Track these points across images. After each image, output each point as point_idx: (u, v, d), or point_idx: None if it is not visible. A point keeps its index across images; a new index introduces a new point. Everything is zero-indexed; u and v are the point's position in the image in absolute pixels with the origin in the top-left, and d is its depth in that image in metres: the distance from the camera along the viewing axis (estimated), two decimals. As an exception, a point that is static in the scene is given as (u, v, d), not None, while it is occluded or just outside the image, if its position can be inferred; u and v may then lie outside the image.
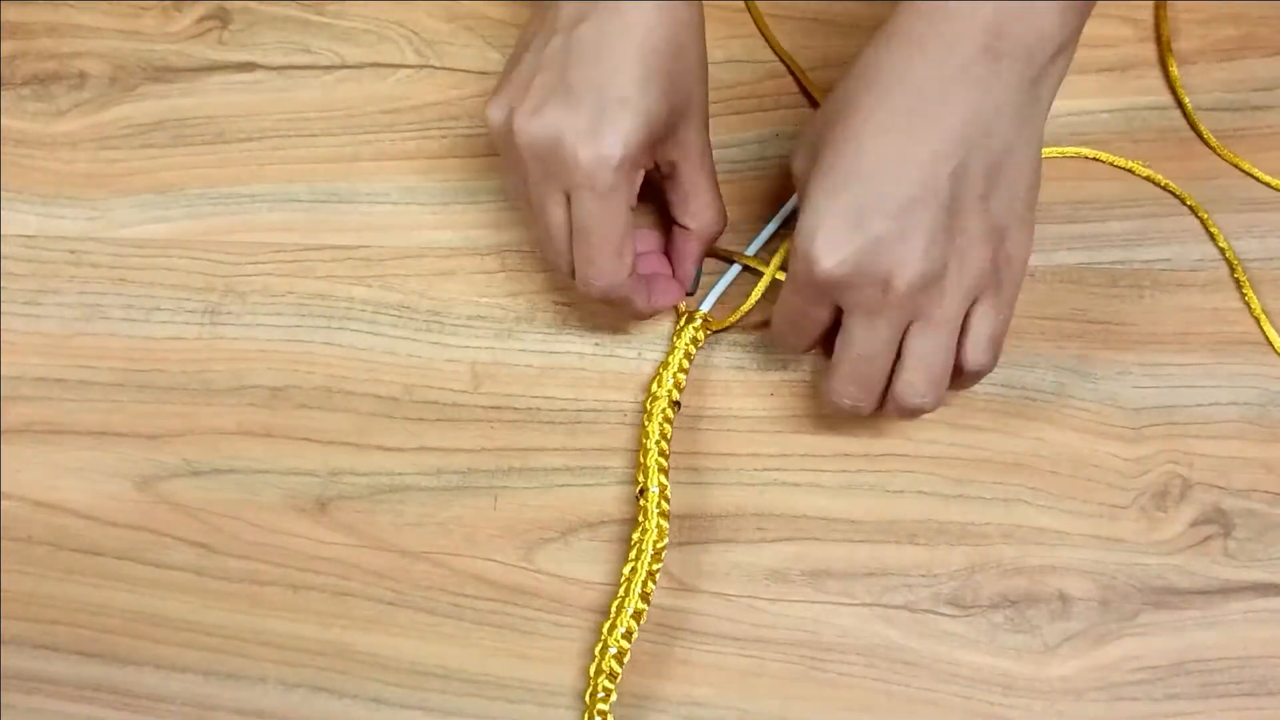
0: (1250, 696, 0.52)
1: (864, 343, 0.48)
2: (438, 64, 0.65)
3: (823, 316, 0.50)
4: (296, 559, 0.57)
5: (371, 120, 0.65)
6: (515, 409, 0.58)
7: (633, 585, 0.52)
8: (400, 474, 0.58)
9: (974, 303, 0.48)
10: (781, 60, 0.64)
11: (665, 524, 0.54)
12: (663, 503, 0.54)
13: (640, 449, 0.55)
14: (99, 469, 0.59)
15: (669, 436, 0.56)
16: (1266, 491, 0.55)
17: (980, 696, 0.53)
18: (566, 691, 0.54)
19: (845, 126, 0.47)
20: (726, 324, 0.58)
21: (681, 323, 0.58)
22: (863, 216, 0.46)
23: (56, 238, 0.64)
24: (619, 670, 0.52)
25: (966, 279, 0.47)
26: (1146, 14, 0.63)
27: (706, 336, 0.58)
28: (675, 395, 0.56)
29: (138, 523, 0.58)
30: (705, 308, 0.58)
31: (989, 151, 0.46)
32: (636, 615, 0.52)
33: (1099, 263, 0.59)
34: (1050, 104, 0.48)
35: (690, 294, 0.59)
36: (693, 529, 0.56)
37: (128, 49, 0.68)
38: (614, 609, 0.53)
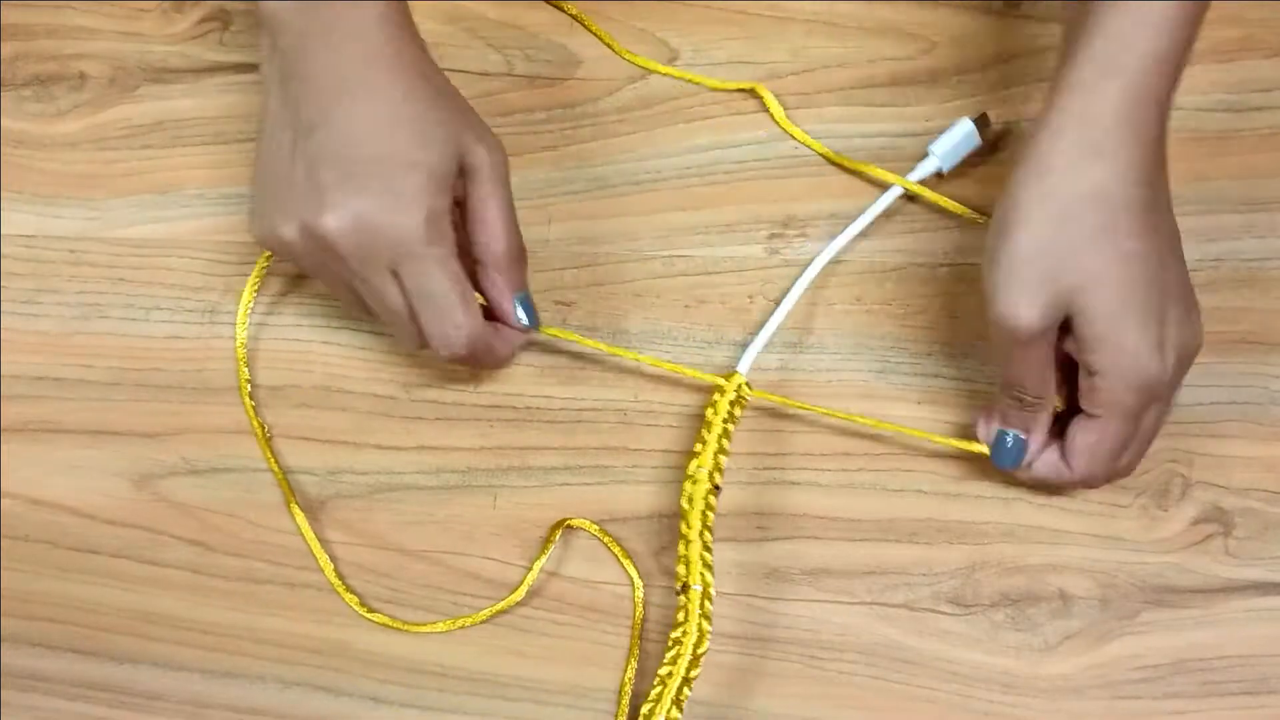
0: (1250, 695, 0.52)
1: (1156, 426, 0.51)
2: (438, 65, 0.65)
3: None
4: (294, 557, 0.56)
5: (371, 121, 0.65)
6: (514, 408, 0.58)
7: (666, 693, 0.49)
8: (399, 473, 0.58)
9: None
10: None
11: (708, 626, 0.50)
12: (706, 603, 0.50)
13: (681, 539, 0.52)
14: (96, 467, 0.59)
15: (711, 525, 0.52)
16: (1266, 490, 0.55)
17: (980, 695, 0.52)
18: (564, 690, 0.54)
19: (1113, 253, 0.47)
20: (771, 397, 0.56)
21: (716, 393, 0.55)
22: (1161, 317, 0.48)
23: (56, 238, 0.64)
24: None
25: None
26: (1146, 15, 0.63)
27: (745, 406, 0.56)
28: (718, 479, 0.53)
29: (135, 521, 0.58)
30: (745, 367, 0.56)
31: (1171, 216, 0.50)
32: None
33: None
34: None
35: (533, 328, 0.55)
36: (692, 527, 0.56)
37: (128, 50, 0.68)
38: (645, 714, 0.49)
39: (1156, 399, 0.49)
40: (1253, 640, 0.52)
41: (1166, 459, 0.55)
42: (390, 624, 0.55)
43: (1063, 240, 0.47)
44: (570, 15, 0.65)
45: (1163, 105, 0.47)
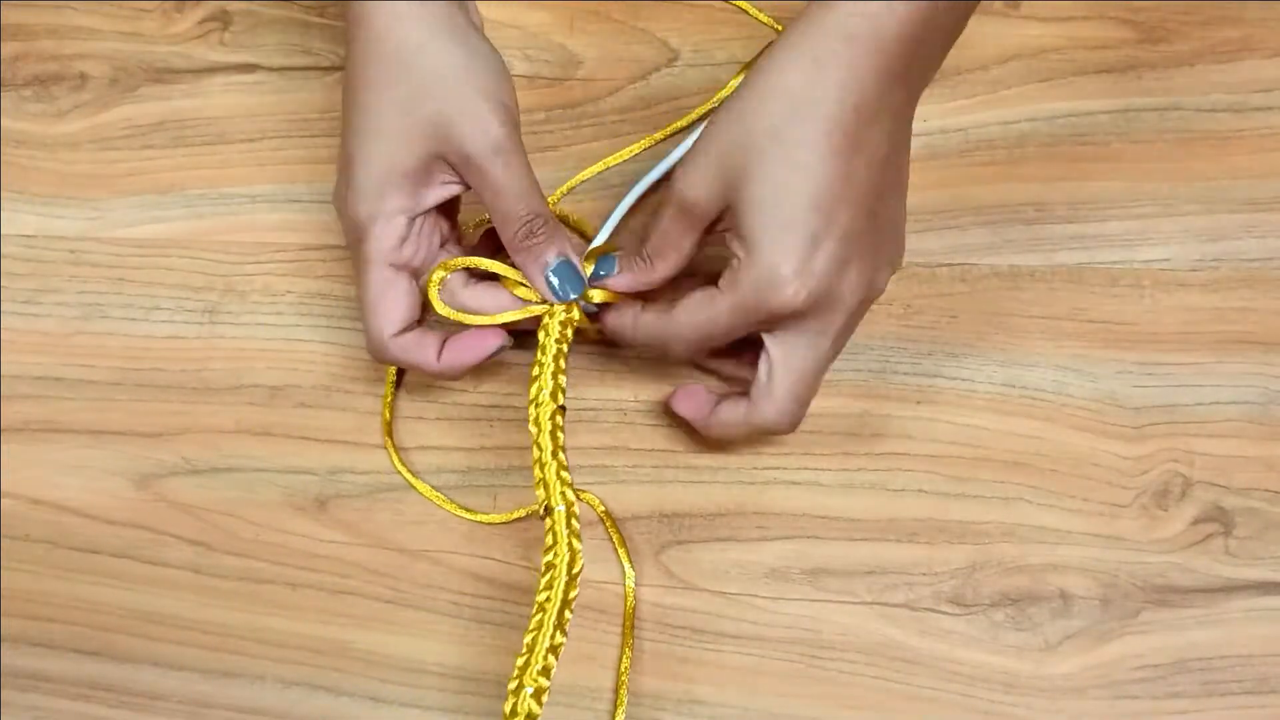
0: (1251, 695, 0.52)
1: (810, 362, 0.50)
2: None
3: (743, 334, 0.50)
4: (295, 557, 0.56)
5: (372, 121, 0.65)
6: (515, 408, 0.58)
7: (548, 617, 0.48)
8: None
9: None
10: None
11: (579, 544, 0.50)
12: (573, 520, 0.50)
13: (535, 464, 0.51)
14: (97, 467, 0.59)
15: (563, 445, 0.51)
16: (1267, 490, 0.55)
17: (981, 695, 0.52)
18: (564, 689, 0.54)
19: (784, 158, 0.46)
20: (599, 301, 0.54)
21: (546, 315, 0.53)
22: (817, 242, 0.46)
23: (56, 237, 0.64)
24: (539, 712, 0.46)
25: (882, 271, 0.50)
26: (1147, 14, 0.63)
27: (580, 321, 0.54)
28: (561, 399, 0.52)
29: (136, 521, 0.58)
30: (597, 244, 0.56)
31: (899, 161, 0.49)
32: (554, 649, 0.47)
33: (1099, 263, 0.59)
34: None
35: (572, 298, 0.53)
36: (692, 527, 0.56)
37: (129, 50, 0.68)
38: (528, 643, 0.48)
39: (777, 319, 0.48)
40: (1254, 640, 0.52)
41: (1166, 459, 0.55)
42: (465, 514, 0.57)
43: (751, 133, 0.46)
44: None
45: (898, 21, 0.45)
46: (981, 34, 0.63)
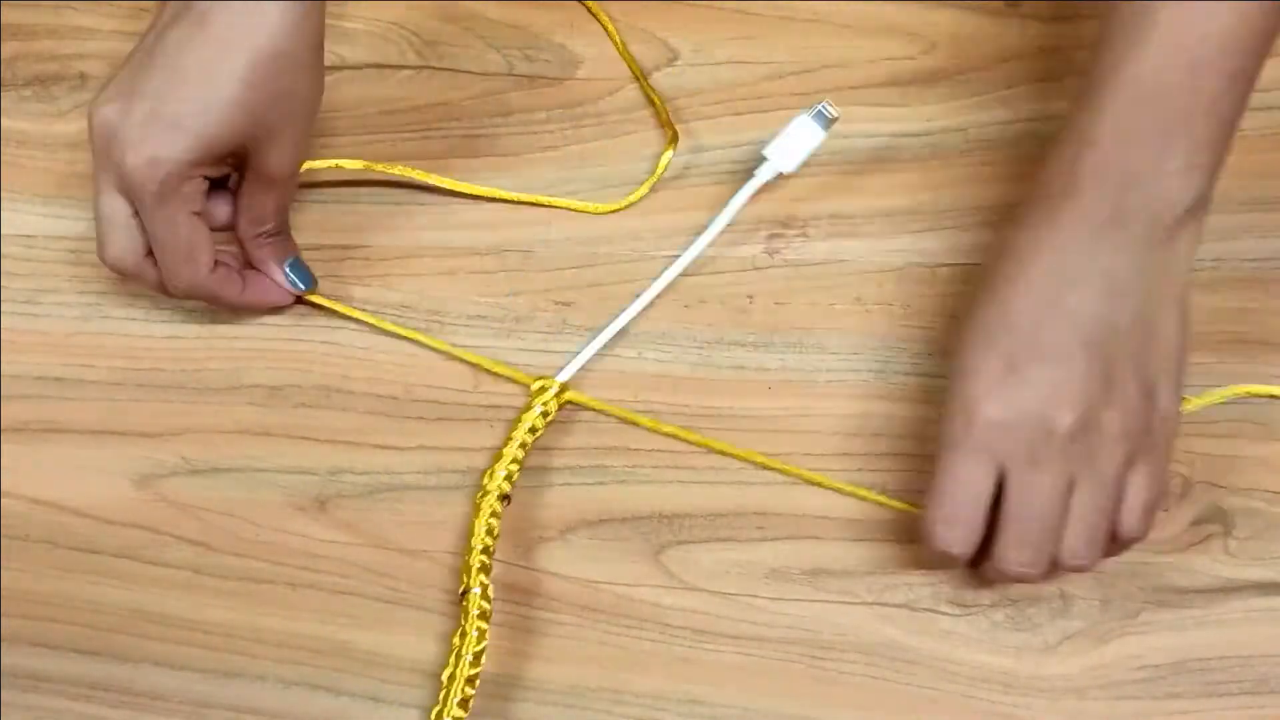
0: (1251, 695, 0.52)
1: (1030, 500, 0.48)
2: (438, 65, 0.65)
3: (987, 484, 0.48)
4: (295, 557, 0.56)
5: (372, 121, 0.65)
6: (515, 409, 0.58)
7: (450, 693, 0.50)
8: (399, 473, 0.58)
9: (1131, 468, 0.48)
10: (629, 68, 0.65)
11: (485, 626, 0.52)
12: (483, 603, 0.52)
13: (465, 546, 0.54)
14: (97, 467, 0.59)
15: (496, 534, 0.54)
16: (1267, 490, 0.55)
17: (981, 695, 0.52)
18: (564, 690, 0.54)
19: (989, 295, 0.49)
20: (586, 401, 0.57)
21: (532, 393, 0.57)
22: (1017, 363, 0.47)
23: (56, 238, 0.64)
24: None
25: (1124, 434, 0.48)
26: (1146, 15, 0.63)
27: (560, 409, 0.57)
28: (506, 488, 0.54)
29: (136, 521, 0.58)
30: (564, 377, 0.57)
31: (1133, 308, 0.48)
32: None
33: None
34: (1189, 263, 0.49)
35: (305, 292, 0.59)
36: (692, 528, 0.56)
37: (128, 50, 0.67)
38: (433, 716, 0.51)
39: (987, 445, 0.48)
40: (1254, 640, 0.52)
41: (1167, 459, 0.55)
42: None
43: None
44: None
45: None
46: (981, 34, 0.63)
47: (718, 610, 0.54)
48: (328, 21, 0.66)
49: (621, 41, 0.65)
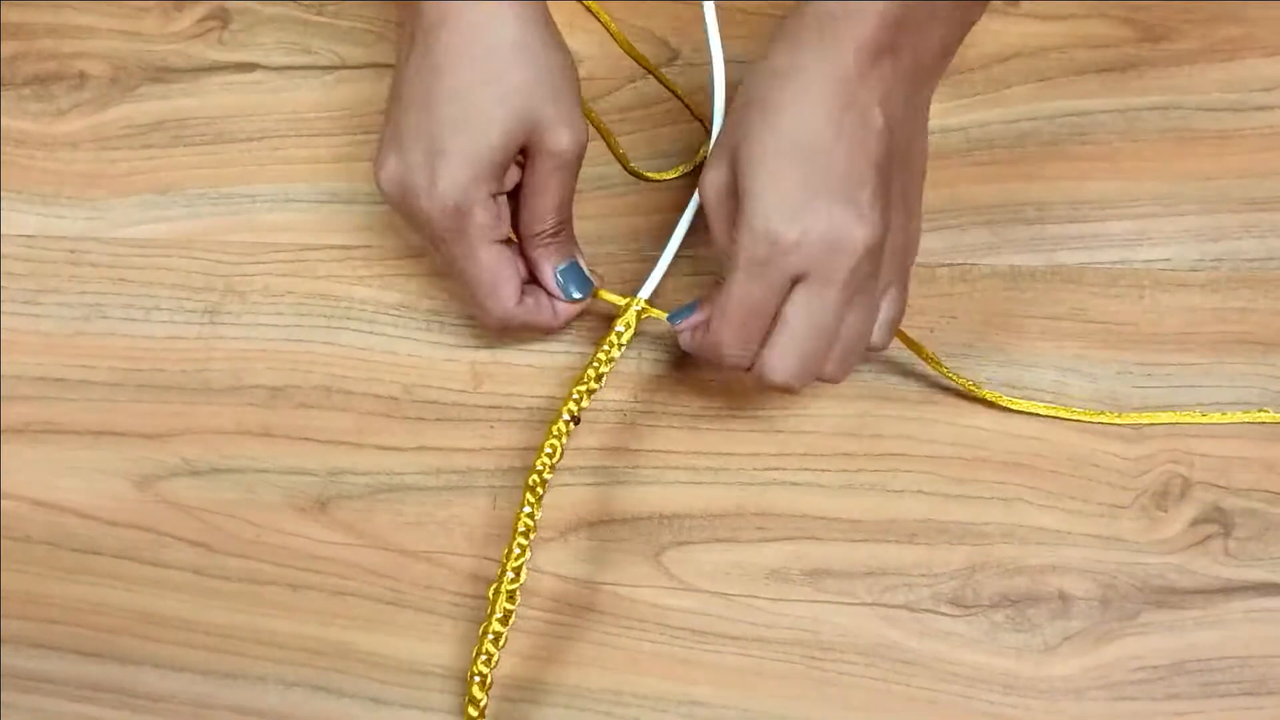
0: (1250, 696, 0.52)
1: (814, 316, 0.48)
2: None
3: (775, 305, 0.49)
4: (296, 558, 0.56)
5: (371, 120, 0.65)
6: (515, 409, 0.58)
7: (494, 609, 0.50)
8: (400, 473, 0.58)
9: (888, 286, 0.50)
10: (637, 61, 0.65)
11: (525, 542, 0.51)
12: (528, 520, 0.51)
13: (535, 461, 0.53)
14: (98, 468, 0.59)
15: (558, 455, 0.53)
16: (1267, 491, 0.55)
17: (981, 696, 0.53)
18: (564, 690, 0.54)
19: (775, 119, 0.47)
20: (661, 314, 0.55)
21: (620, 310, 0.55)
22: (813, 187, 0.47)
23: (56, 237, 0.64)
24: (482, 697, 0.50)
25: (893, 256, 0.49)
26: (1146, 14, 0.63)
27: (639, 323, 0.55)
28: (575, 410, 0.53)
29: (137, 522, 0.58)
30: (645, 293, 0.56)
31: (906, 136, 0.49)
32: (496, 639, 0.50)
33: (1099, 263, 0.59)
34: (928, 104, 0.51)
35: (583, 296, 0.56)
36: (692, 528, 0.56)
37: (128, 49, 0.68)
38: (480, 633, 0.51)
39: (785, 268, 0.48)
40: (1253, 641, 0.53)
41: (1166, 460, 0.55)
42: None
43: (743, 115, 0.48)
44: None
45: (885, 20, 0.47)
46: (982, 33, 0.63)
47: (718, 611, 0.54)
48: (326, 21, 0.67)
49: (625, 38, 0.65)
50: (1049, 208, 0.60)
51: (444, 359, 0.60)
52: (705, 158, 0.58)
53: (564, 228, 0.55)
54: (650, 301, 0.55)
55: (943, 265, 0.59)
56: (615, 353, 0.55)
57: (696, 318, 0.53)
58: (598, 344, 0.55)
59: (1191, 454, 0.55)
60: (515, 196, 0.54)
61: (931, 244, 0.60)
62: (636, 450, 0.57)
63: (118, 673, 0.55)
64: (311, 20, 0.67)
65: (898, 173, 0.49)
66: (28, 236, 0.64)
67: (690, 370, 0.58)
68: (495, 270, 0.53)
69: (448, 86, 0.50)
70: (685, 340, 0.54)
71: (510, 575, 0.51)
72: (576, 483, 0.57)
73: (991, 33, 0.64)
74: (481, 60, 0.50)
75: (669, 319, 0.54)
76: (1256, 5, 0.63)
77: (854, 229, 0.47)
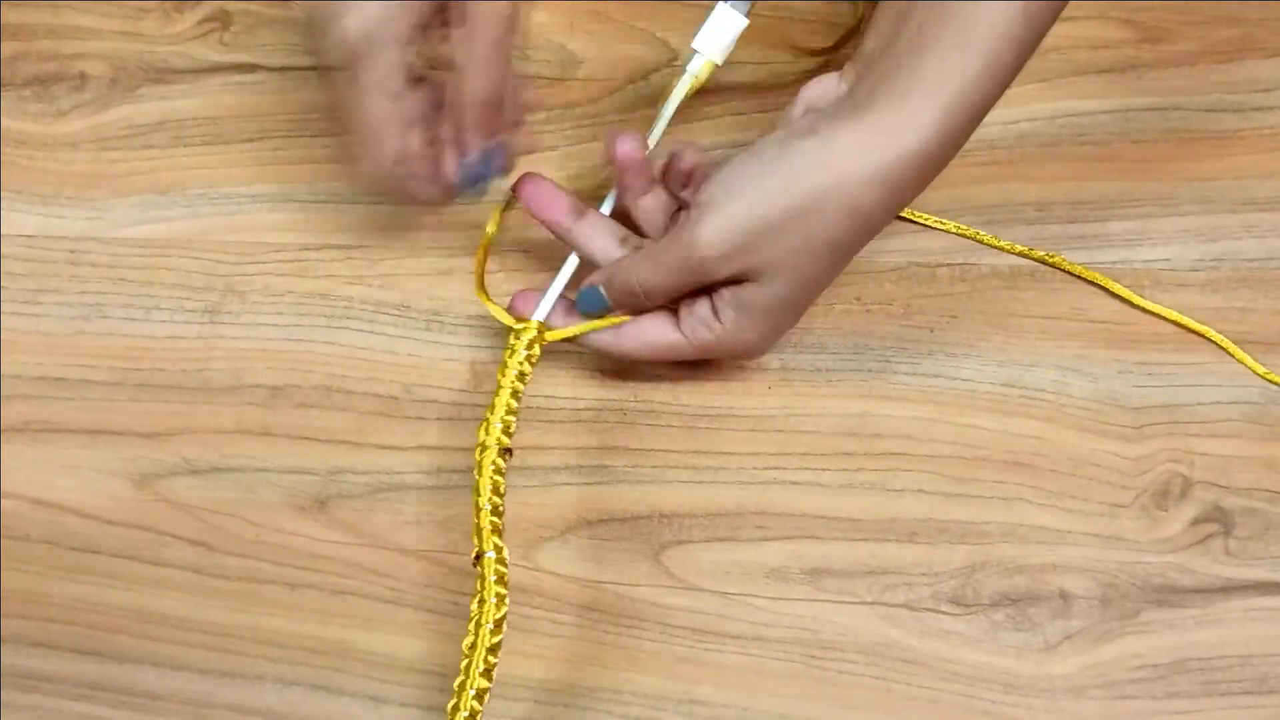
0: (1251, 695, 0.52)
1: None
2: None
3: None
4: (295, 558, 0.56)
5: (372, 121, 0.65)
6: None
7: (474, 664, 0.47)
8: (400, 473, 0.58)
9: None
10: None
11: (504, 591, 0.49)
12: (500, 567, 0.49)
13: (473, 508, 0.51)
14: (98, 467, 0.59)
15: (503, 491, 0.51)
16: (1267, 490, 0.55)
17: (981, 695, 0.52)
18: (565, 690, 0.54)
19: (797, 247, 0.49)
20: (568, 334, 0.54)
21: (512, 338, 0.53)
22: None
23: (56, 237, 0.64)
24: None
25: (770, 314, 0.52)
26: (1146, 15, 0.63)
27: (542, 349, 0.54)
28: (505, 442, 0.51)
29: (136, 521, 0.58)
30: (540, 315, 0.54)
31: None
32: (480, 695, 0.47)
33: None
34: None
35: (473, 192, 0.54)
36: (692, 528, 0.56)
37: (129, 50, 0.68)
38: (456, 687, 0.47)
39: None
40: (1254, 640, 0.52)
41: (1167, 459, 0.55)
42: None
43: (788, 225, 0.48)
44: None
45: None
46: (981, 34, 0.63)
47: (718, 610, 0.54)
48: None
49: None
50: (1049, 208, 0.60)
51: (444, 359, 0.60)
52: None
53: (491, 99, 0.52)
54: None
55: (943, 265, 0.59)
56: (529, 378, 0.53)
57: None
58: (501, 368, 0.53)
59: (1192, 453, 0.55)
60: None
61: (931, 244, 0.60)
62: (636, 450, 0.57)
63: (117, 672, 0.55)
64: (312, 21, 0.67)
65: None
66: (28, 236, 0.64)
67: (690, 370, 0.58)
68: (380, 121, 0.50)
69: None
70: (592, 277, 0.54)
71: (490, 628, 0.48)
72: (577, 482, 0.57)
73: (991, 33, 0.64)
74: None
75: (582, 306, 0.54)
76: (1256, 6, 0.63)
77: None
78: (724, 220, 0.49)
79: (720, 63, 0.56)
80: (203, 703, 0.55)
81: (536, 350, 0.53)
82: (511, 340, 0.53)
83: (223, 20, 0.68)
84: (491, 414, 0.52)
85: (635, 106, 0.64)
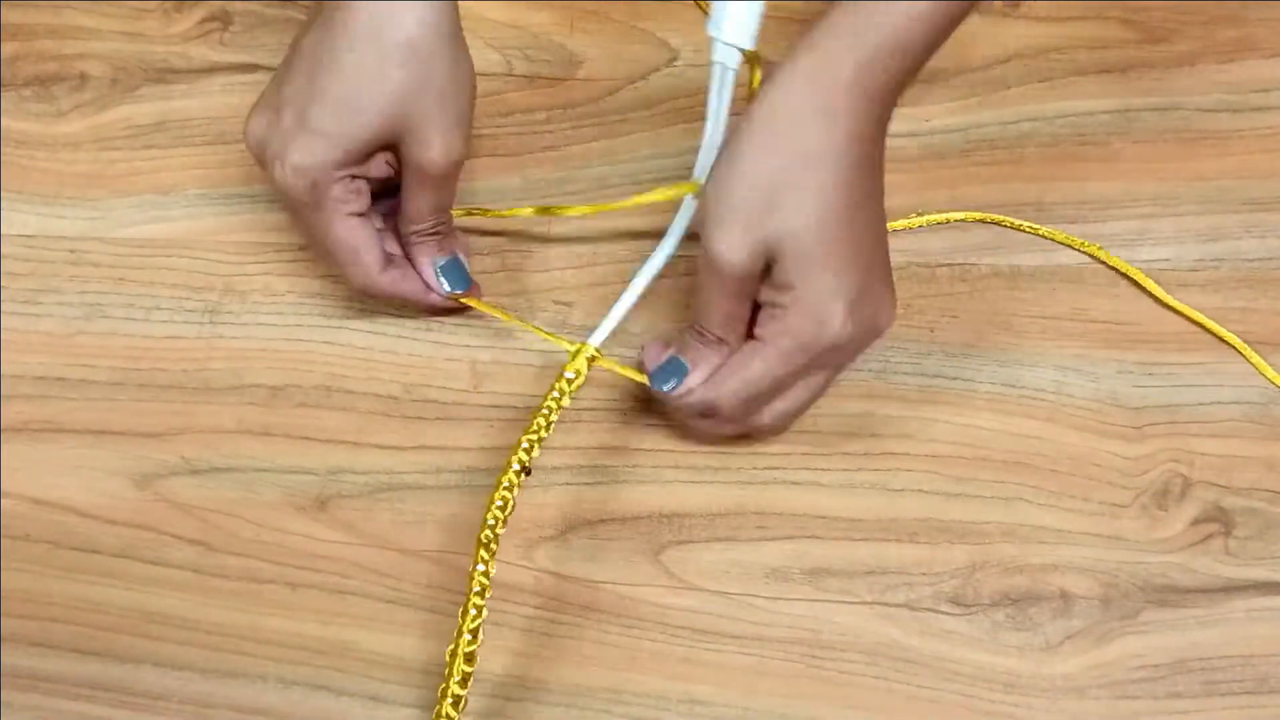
0: (1252, 695, 0.52)
1: (816, 389, 0.53)
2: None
3: (792, 382, 0.52)
4: (295, 557, 0.56)
5: (372, 121, 0.65)
6: (515, 408, 0.58)
7: (452, 669, 0.49)
8: (399, 472, 0.58)
9: None
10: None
11: (481, 602, 0.49)
12: (483, 580, 0.50)
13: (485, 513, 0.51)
14: (98, 467, 0.59)
15: (509, 508, 0.51)
16: (1267, 490, 0.55)
17: (982, 695, 0.52)
18: (564, 690, 0.54)
19: (807, 204, 0.48)
20: (618, 367, 0.56)
21: (570, 358, 0.54)
22: (861, 268, 0.49)
23: (57, 237, 0.64)
24: None
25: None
26: (1146, 15, 0.63)
27: (589, 370, 0.55)
28: (526, 460, 0.52)
29: (136, 521, 0.58)
30: (597, 340, 0.55)
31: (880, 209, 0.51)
32: (455, 702, 0.48)
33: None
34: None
35: (455, 292, 0.57)
36: (693, 527, 0.56)
37: (129, 50, 0.68)
38: (440, 693, 0.49)
39: (824, 359, 0.51)
40: (1254, 640, 0.53)
41: (1167, 459, 0.55)
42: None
43: (778, 189, 0.48)
44: None
45: (893, 76, 0.48)
46: (981, 34, 0.64)
47: (718, 610, 0.54)
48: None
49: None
50: (1049, 208, 0.60)
51: (444, 359, 0.60)
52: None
53: (441, 228, 0.56)
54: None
55: (943, 265, 0.59)
56: (565, 400, 0.54)
57: (692, 381, 0.53)
58: (546, 391, 0.54)
59: (1192, 453, 0.55)
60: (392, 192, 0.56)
61: (931, 244, 0.60)
62: (636, 449, 0.57)
63: (117, 671, 0.55)
64: (312, 21, 0.67)
65: (882, 240, 0.52)
66: (28, 236, 0.64)
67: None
68: (353, 240, 0.54)
69: (334, 67, 0.51)
70: (671, 401, 0.54)
71: (468, 638, 0.49)
72: (577, 482, 0.57)
73: (991, 34, 0.64)
74: (371, 52, 0.50)
75: (653, 384, 0.54)
76: (1256, 6, 0.63)
77: (886, 318, 0.51)
78: (721, 217, 0.49)
79: (751, 48, 0.55)
80: (203, 702, 0.54)
81: (583, 374, 0.54)
82: (566, 363, 0.54)
83: (223, 20, 0.68)
84: (524, 433, 0.53)
85: (635, 106, 0.64)
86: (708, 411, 0.53)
